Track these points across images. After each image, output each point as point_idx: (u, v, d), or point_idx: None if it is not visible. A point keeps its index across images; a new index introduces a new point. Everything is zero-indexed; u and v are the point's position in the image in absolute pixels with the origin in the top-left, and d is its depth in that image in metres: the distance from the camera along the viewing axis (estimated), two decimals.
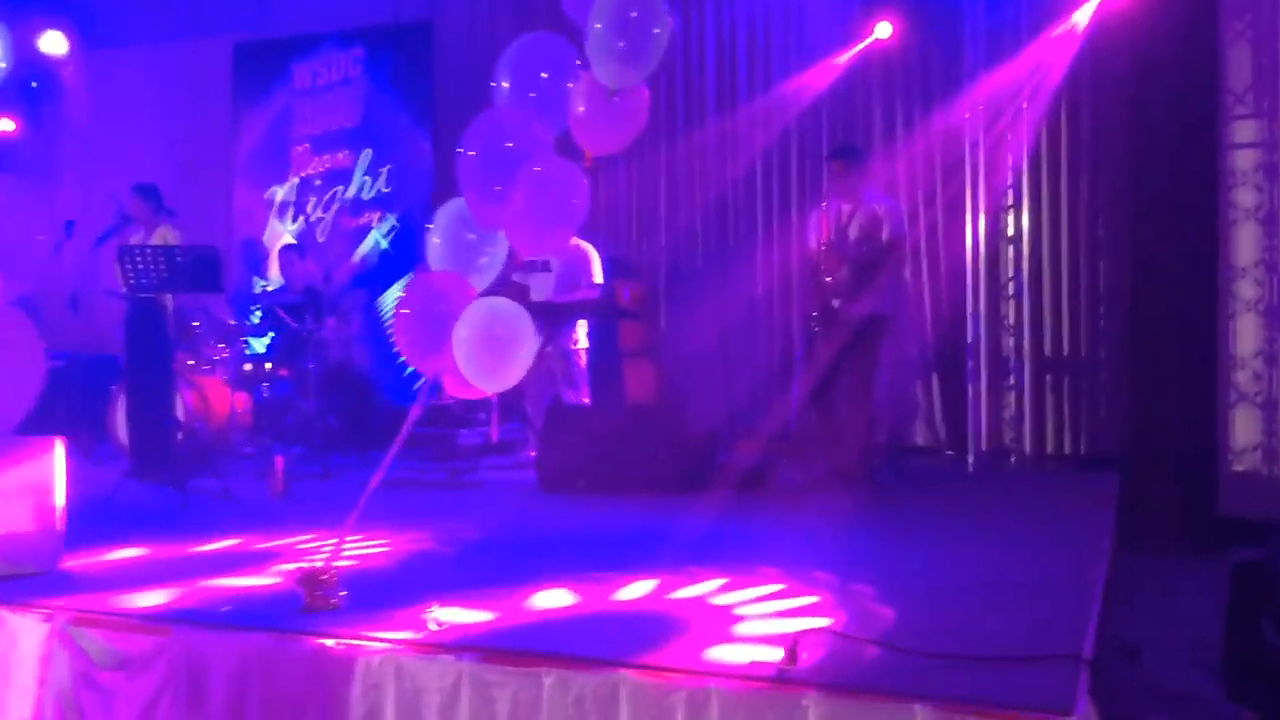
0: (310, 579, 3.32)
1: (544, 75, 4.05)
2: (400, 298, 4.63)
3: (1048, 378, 7.07)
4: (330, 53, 9.05)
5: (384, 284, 8.90)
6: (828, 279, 5.79)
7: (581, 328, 6.88)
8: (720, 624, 3.21)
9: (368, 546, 4.34)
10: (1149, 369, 6.50)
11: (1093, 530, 4.64)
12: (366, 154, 8.97)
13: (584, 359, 6.94)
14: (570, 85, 4.05)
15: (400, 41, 8.80)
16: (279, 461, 5.78)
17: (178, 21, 9.74)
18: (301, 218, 9.20)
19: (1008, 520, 5.12)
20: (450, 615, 3.23)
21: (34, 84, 10.30)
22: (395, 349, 8.92)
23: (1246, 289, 6.09)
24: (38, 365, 4.44)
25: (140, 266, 5.54)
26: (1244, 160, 6.10)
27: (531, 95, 4.01)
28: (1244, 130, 6.11)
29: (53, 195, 10.19)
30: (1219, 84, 6.13)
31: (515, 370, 3.82)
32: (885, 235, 5.83)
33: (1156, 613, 4.68)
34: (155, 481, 5.96)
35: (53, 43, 9.84)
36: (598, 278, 6.86)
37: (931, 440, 7.52)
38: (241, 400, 7.70)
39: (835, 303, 5.94)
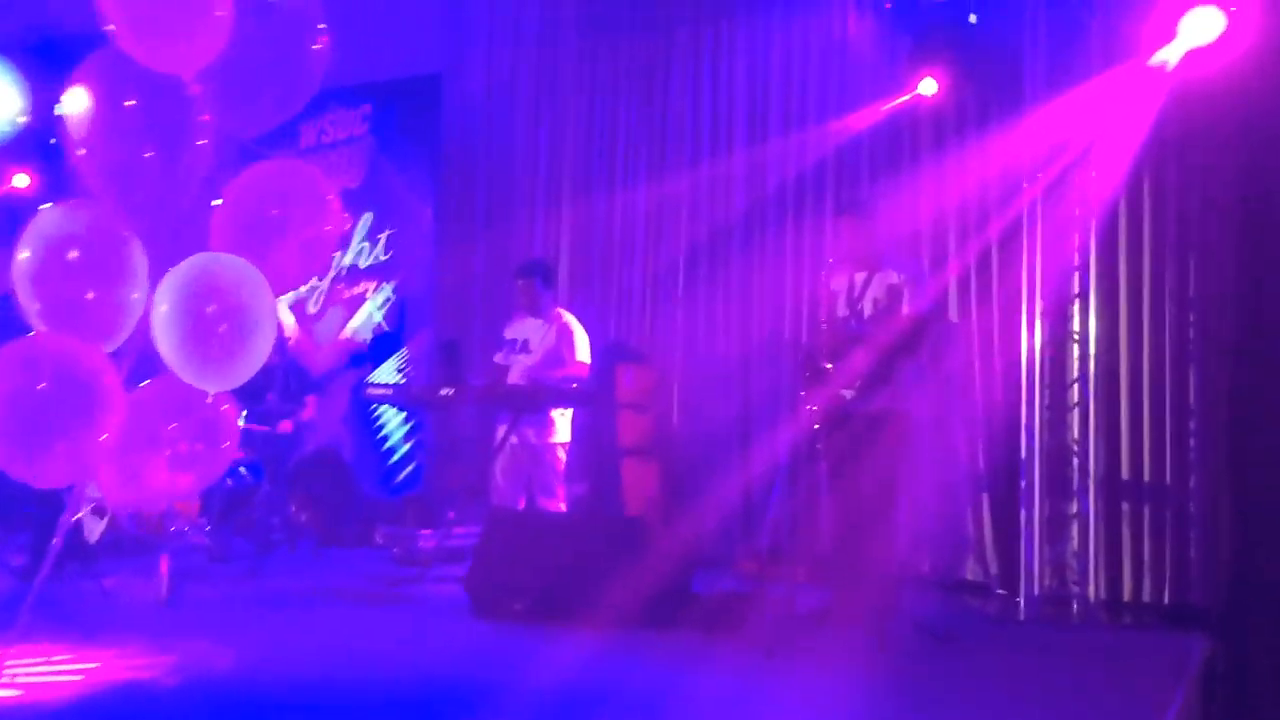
0: None
1: None
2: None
3: (1123, 507, 5.74)
4: (338, 109, 8.43)
5: (376, 362, 8.06)
6: (827, 365, 4.67)
7: (562, 419, 5.84)
8: None
9: (65, 669, 3.58)
10: (1254, 502, 5.17)
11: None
12: (367, 217, 8.25)
13: (563, 456, 5.88)
14: None
15: (408, 97, 8.14)
16: (163, 563, 4.85)
17: None
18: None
19: (1054, 695, 3.86)
20: None
21: (53, 140, 9.97)
22: (382, 434, 8.18)
23: None
24: None
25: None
26: None
27: None
28: None
29: None
30: None
31: (241, 361, 2.96)
32: (906, 309, 4.72)
33: None
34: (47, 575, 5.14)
35: (77, 100, 9.47)
36: (582, 355, 5.85)
37: (981, 575, 6.21)
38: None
39: (848, 394, 4.81)
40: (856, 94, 6.60)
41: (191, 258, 3.78)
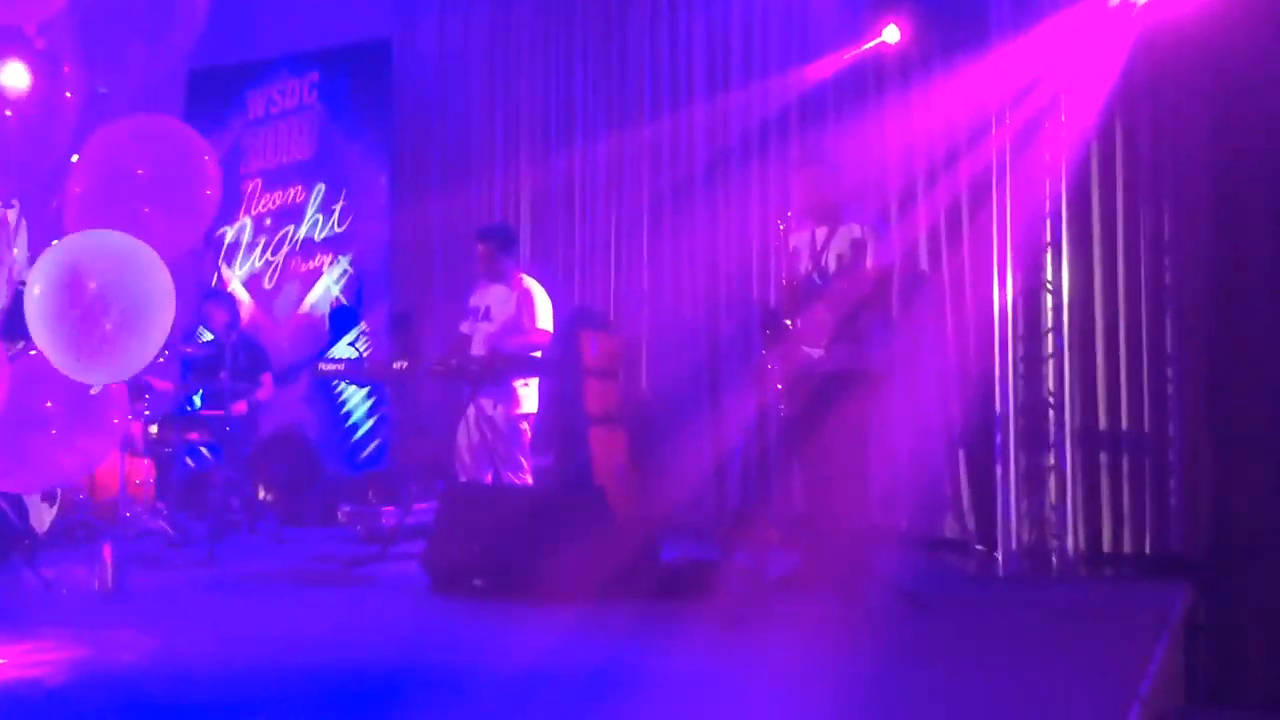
0: None
1: None
2: None
3: (1101, 458, 5.60)
4: (285, 78, 8.15)
5: (335, 337, 7.82)
6: (788, 322, 4.47)
7: (526, 389, 5.62)
8: None
9: None
10: (1234, 447, 5.04)
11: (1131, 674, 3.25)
12: (319, 189, 7.99)
13: (526, 428, 5.67)
14: None
15: (357, 63, 7.85)
16: (106, 550, 4.64)
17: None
18: (249, 262, 8.22)
19: (1032, 653, 3.73)
20: None
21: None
22: (345, 410, 7.96)
23: None
24: None
25: None
26: None
27: None
28: None
29: None
30: None
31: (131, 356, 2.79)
32: (870, 263, 4.53)
33: None
34: None
35: (14, 75, 9.14)
36: (543, 323, 5.64)
37: (959, 532, 6.08)
38: (140, 469, 6.63)
39: (814, 353, 4.63)
40: (819, 43, 6.39)
41: (66, 240, 3.53)
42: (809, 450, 4.69)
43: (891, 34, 5.90)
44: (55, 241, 3.53)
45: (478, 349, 5.60)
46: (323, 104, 7.98)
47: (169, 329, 3.92)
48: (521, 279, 5.76)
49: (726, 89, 6.82)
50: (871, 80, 6.23)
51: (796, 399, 4.58)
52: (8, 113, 3.43)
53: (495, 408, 5.51)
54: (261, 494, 7.49)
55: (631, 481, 6.61)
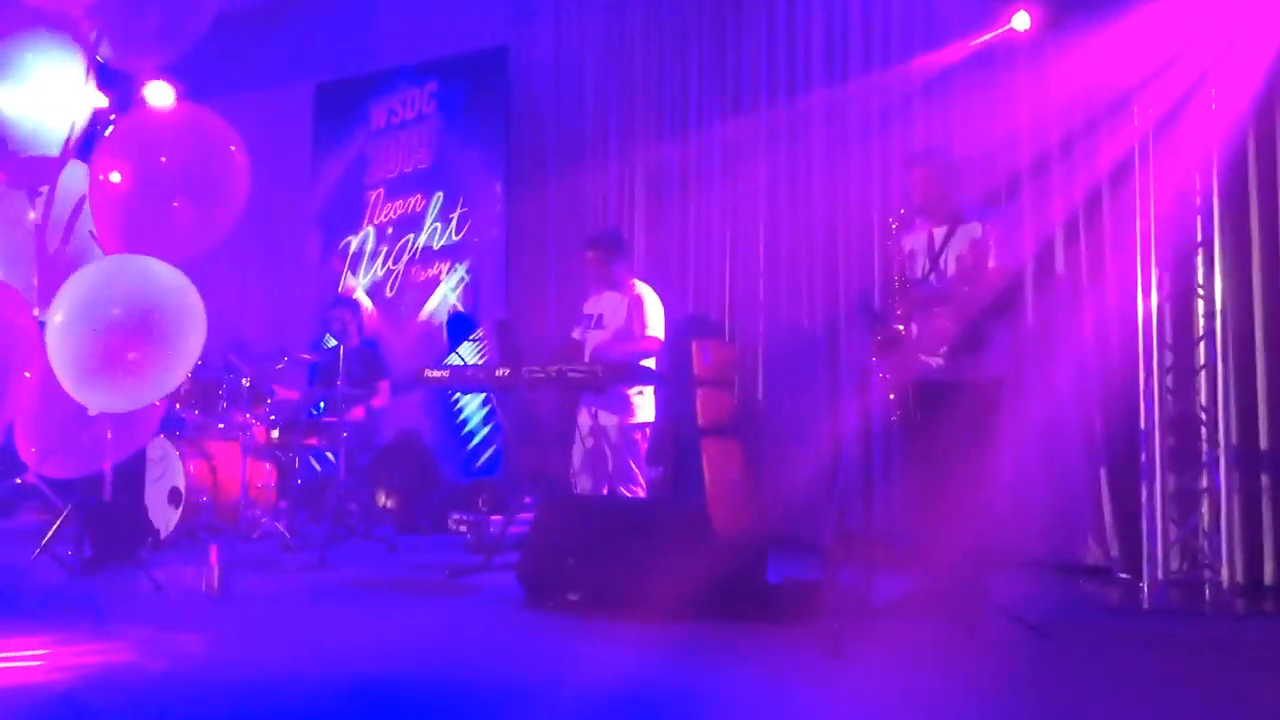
0: None
1: None
2: None
3: (1261, 480, 5.05)
4: (405, 88, 8.21)
5: (452, 344, 7.82)
6: (899, 328, 4.16)
7: (640, 398, 5.43)
8: None
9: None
10: None
11: None
12: (438, 197, 8.01)
13: (640, 438, 5.49)
14: None
15: (473, 71, 7.84)
16: (212, 553, 4.67)
17: (271, 64, 9.17)
18: (371, 270, 8.32)
19: (1173, 701, 3.32)
20: None
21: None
22: (462, 417, 7.95)
23: None
24: None
25: None
26: None
27: None
28: None
29: None
30: None
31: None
32: (992, 264, 4.18)
33: None
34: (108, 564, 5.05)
35: (159, 93, 9.49)
36: (654, 329, 5.46)
37: (1101, 558, 5.60)
38: (262, 473, 6.74)
39: (934, 362, 4.31)
40: (943, 31, 6.01)
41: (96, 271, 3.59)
42: (925, 464, 4.36)
43: (1021, 20, 5.49)
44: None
45: (588, 356, 5.46)
46: (441, 113, 8.02)
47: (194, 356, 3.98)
48: (634, 284, 5.60)
49: (845, 81, 6.52)
50: (998, 65, 5.81)
51: (913, 409, 4.26)
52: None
53: (607, 416, 5.36)
54: (382, 500, 7.55)
55: (745, 495, 6.35)
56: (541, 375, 5.00)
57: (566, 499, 5.08)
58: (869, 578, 3.98)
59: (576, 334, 5.66)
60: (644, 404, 5.43)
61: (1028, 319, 5.72)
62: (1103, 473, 5.58)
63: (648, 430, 5.48)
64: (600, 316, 5.58)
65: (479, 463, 7.62)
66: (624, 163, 7.46)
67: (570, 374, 4.90)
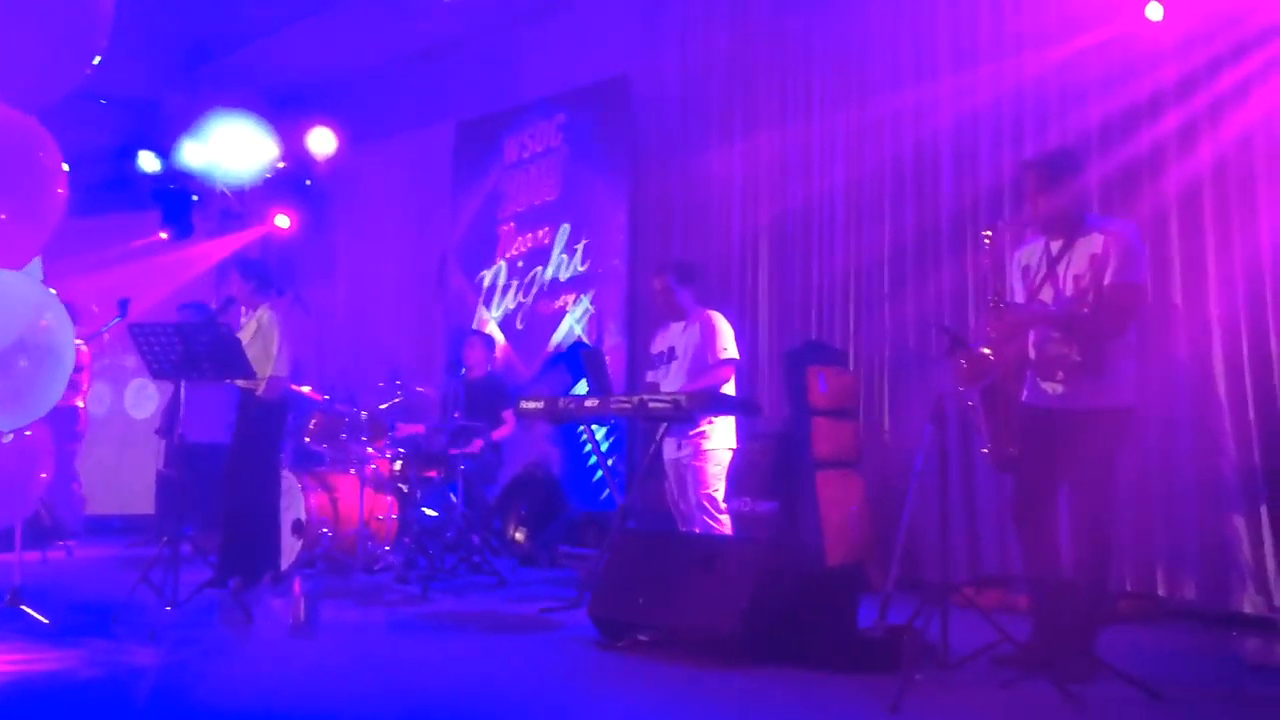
0: None
1: None
2: None
3: None
4: (536, 121, 8.29)
5: (576, 376, 7.78)
6: (986, 350, 3.80)
7: (716, 426, 5.22)
8: None
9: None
10: None
11: None
12: (564, 229, 8.03)
13: (714, 469, 5.26)
14: None
15: (599, 101, 7.83)
16: (296, 585, 4.73)
17: (419, 104, 9.47)
18: (503, 304, 8.41)
19: None
20: None
21: (308, 182, 10.55)
22: (587, 448, 7.87)
23: None
24: None
25: (156, 348, 4.79)
26: None
27: None
28: None
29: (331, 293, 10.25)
30: None
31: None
32: (1109, 280, 3.77)
33: None
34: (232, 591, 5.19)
35: (321, 140, 9.97)
36: (727, 352, 5.24)
37: (1263, 608, 4.96)
38: (382, 505, 6.86)
39: (1053, 389, 3.91)
40: (1075, 22, 5.55)
41: None
42: (1040, 501, 3.96)
43: (1154, 11, 5.00)
44: None
45: (669, 388, 5.30)
46: (568, 144, 8.05)
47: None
48: (701, 310, 5.43)
49: (973, 94, 6.12)
50: (1144, 61, 5.30)
51: (1026, 442, 3.87)
52: None
53: (681, 448, 5.19)
54: (512, 532, 7.56)
55: (864, 530, 6.00)
56: (627, 405, 4.87)
57: (638, 533, 4.92)
58: (944, 625, 3.62)
59: (650, 376, 5.53)
60: (718, 432, 5.22)
61: (1179, 345, 5.19)
62: (1263, 511, 4.96)
63: (727, 458, 5.26)
64: (671, 350, 5.44)
65: (602, 495, 7.53)
66: (748, 191, 7.25)
67: (652, 404, 4.74)
